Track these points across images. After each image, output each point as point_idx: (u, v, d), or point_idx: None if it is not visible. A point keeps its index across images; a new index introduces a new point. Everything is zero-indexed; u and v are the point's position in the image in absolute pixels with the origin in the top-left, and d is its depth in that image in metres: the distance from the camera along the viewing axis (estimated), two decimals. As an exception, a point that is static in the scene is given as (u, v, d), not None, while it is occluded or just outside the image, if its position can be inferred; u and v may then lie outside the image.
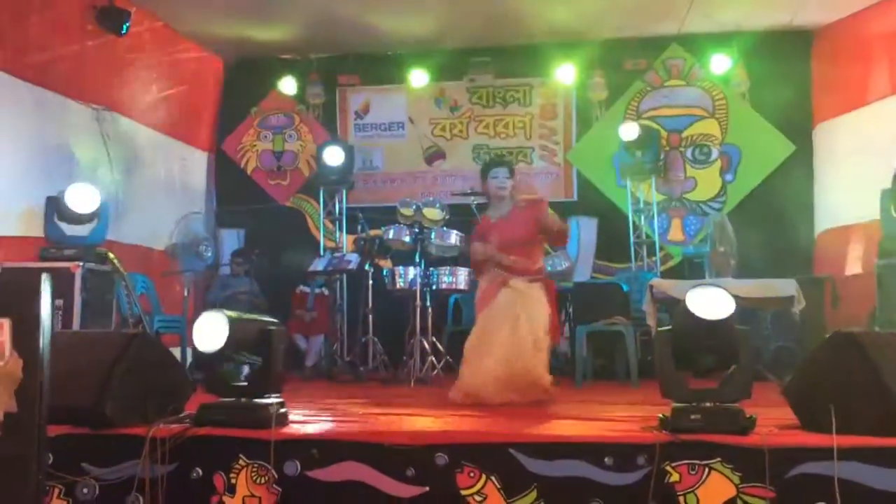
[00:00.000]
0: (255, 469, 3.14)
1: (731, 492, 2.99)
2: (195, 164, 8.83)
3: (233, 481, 3.15)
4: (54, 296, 4.83)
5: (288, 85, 9.08)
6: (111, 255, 5.73)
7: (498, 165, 5.24)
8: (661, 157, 8.47)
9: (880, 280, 5.42)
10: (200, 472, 3.17)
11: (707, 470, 3.01)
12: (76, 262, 5.31)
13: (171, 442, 3.14)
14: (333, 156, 8.46)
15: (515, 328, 4.79)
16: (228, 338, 3.19)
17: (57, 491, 3.13)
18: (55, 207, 5.59)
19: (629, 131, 8.17)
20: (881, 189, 5.50)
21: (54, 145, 6.43)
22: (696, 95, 8.70)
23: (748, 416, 3.16)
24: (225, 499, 3.14)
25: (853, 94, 7.51)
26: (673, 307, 6.07)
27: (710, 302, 3.17)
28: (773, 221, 7.99)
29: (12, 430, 1.96)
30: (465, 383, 4.79)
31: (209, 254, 7.81)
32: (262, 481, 3.13)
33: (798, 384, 3.53)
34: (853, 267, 7.19)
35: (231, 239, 9.00)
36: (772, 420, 3.35)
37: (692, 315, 3.14)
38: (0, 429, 1.86)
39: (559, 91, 8.91)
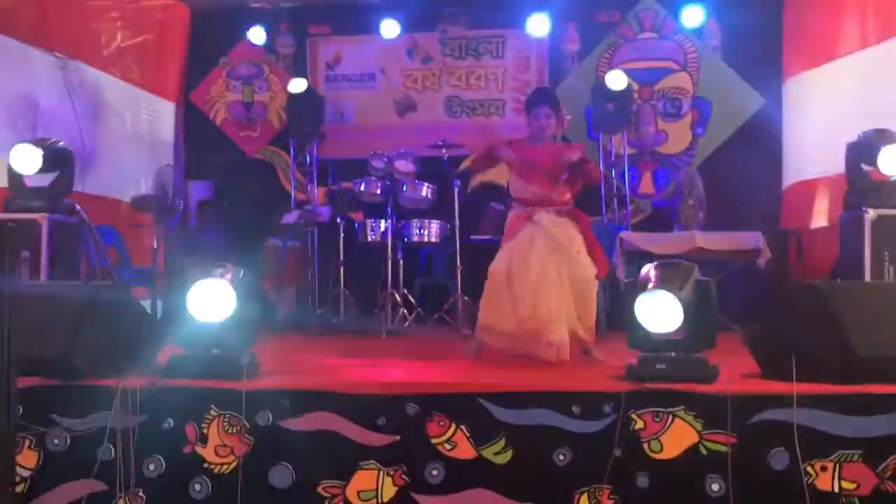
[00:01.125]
0: (226, 419, 3.17)
1: (694, 438, 3.08)
2: (163, 115, 8.68)
3: (205, 431, 3.18)
4: (20, 247, 4.80)
5: (257, 34, 8.90)
6: (77, 207, 5.66)
7: (541, 103, 4.87)
8: (633, 110, 8.47)
9: (844, 232, 5.50)
10: (172, 422, 3.19)
11: (671, 417, 3.09)
12: (42, 214, 5.24)
13: (141, 393, 3.16)
14: (297, 85, 8.35)
15: (545, 268, 4.48)
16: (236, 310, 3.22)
17: (28, 442, 3.15)
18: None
19: (617, 80, 8.09)
20: (847, 142, 5.56)
21: (18, 94, 6.29)
22: (667, 48, 8.68)
23: (711, 365, 3.23)
24: (197, 448, 3.18)
25: (824, 48, 7.53)
26: (642, 259, 6.14)
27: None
28: (741, 175, 8.04)
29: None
30: (483, 325, 4.60)
31: (180, 206, 7.74)
32: (234, 431, 3.17)
33: (760, 334, 3.61)
34: (819, 220, 7.28)
35: (200, 191, 8.89)
36: (735, 369, 3.44)
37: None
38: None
39: (532, 43, 8.85)
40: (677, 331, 3.25)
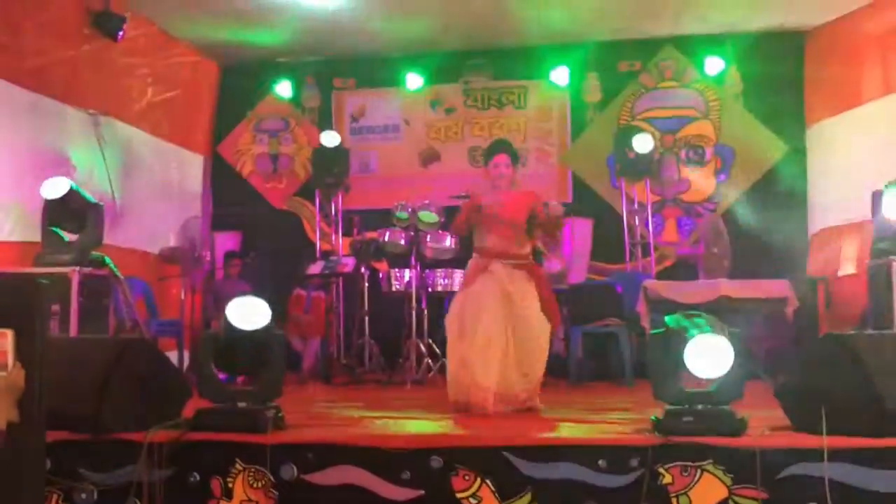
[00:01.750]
0: (251, 473, 3.17)
1: (724, 493, 3.03)
2: (191, 168, 8.85)
3: (230, 486, 3.18)
4: (51, 301, 4.85)
5: (283, 88, 9.10)
6: (107, 260, 5.75)
7: (500, 151, 4.92)
8: (656, 158, 8.49)
9: (872, 281, 5.44)
10: (198, 476, 3.20)
11: (699, 471, 3.05)
12: (73, 268, 5.32)
13: (168, 447, 3.17)
14: (330, 139, 8.48)
15: (493, 323, 4.54)
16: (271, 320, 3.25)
17: (56, 497, 3.16)
18: (49, 212, 5.59)
19: (644, 143, 8.13)
20: (873, 190, 5.53)
21: (50, 150, 6.44)
22: (689, 96, 8.73)
23: (740, 417, 3.19)
24: (223, 503, 3.17)
25: (846, 95, 7.54)
26: (666, 308, 6.10)
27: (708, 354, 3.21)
28: (766, 222, 8.02)
29: (15, 440, 1.98)
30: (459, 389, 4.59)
31: (207, 257, 7.84)
32: (259, 485, 3.16)
33: (790, 385, 3.57)
34: (847, 267, 7.22)
35: (227, 242, 9.00)
36: (764, 421, 3.39)
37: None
38: (2, 438, 1.88)
39: (554, 93, 8.94)
40: (716, 379, 3.22)
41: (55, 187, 5.46)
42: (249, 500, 3.16)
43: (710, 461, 3.05)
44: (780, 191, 8.22)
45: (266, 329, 3.40)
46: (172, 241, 7.73)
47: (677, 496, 3.04)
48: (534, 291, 4.68)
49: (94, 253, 5.68)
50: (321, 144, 8.58)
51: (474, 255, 4.89)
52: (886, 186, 5.18)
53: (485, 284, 4.65)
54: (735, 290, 6.32)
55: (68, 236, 5.70)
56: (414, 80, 8.87)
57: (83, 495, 3.16)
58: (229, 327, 3.32)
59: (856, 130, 7.32)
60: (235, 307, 3.34)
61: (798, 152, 8.29)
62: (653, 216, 8.57)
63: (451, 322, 4.72)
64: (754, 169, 8.49)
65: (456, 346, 4.64)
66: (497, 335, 4.54)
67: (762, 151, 8.47)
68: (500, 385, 4.51)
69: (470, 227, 4.90)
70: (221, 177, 9.27)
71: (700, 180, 8.66)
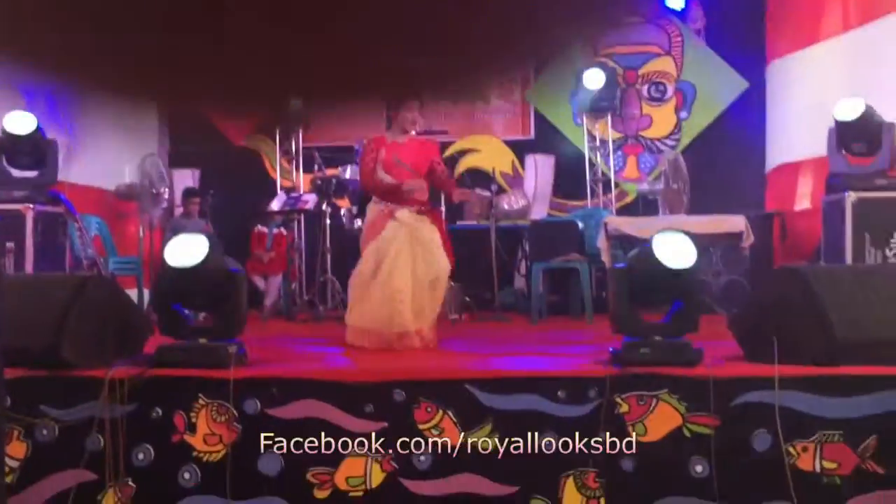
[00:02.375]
0: (215, 408, 3.19)
1: (678, 421, 3.12)
2: (146, 103, 8.64)
3: (193, 420, 3.20)
4: (5, 238, 4.78)
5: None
6: (62, 196, 5.65)
7: (413, 96, 4.69)
8: (618, 94, 8.49)
9: (826, 216, 5.56)
10: (160, 411, 3.21)
11: (655, 400, 3.13)
12: (27, 205, 5.23)
13: (129, 383, 3.17)
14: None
15: (407, 266, 4.57)
16: (194, 270, 3.20)
17: (16, 433, 3.15)
18: (2, 148, 5.46)
19: (594, 79, 8.11)
20: (829, 126, 5.60)
21: (-1, 84, 6.24)
22: (652, 32, 8.70)
23: (695, 349, 3.27)
24: (186, 437, 3.19)
25: (806, 32, 7.56)
26: (627, 244, 6.18)
27: (675, 248, 3.24)
28: (725, 158, 8.10)
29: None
30: (352, 327, 4.64)
31: (165, 194, 7.72)
32: (223, 420, 3.18)
33: (743, 317, 3.66)
34: (803, 202, 7.34)
35: (184, 180, 8.86)
36: (718, 352, 3.48)
37: (655, 259, 3.22)
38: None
39: (516, 28, 8.84)
40: (663, 312, 3.29)
41: (21, 123, 5.32)
42: (213, 433, 3.18)
43: (666, 390, 3.13)
44: (740, 127, 8.29)
45: (218, 265, 3.38)
46: (128, 178, 7.59)
47: (633, 424, 3.13)
48: (438, 237, 4.74)
49: (49, 190, 5.58)
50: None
51: (376, 200, 4.82)
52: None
53: (394, 231, 4.65)
54: (693, 225, 6.35)
55: (21, 173, 5.59)
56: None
57: (44, 431, 3.16)
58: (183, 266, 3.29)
59: (816, 66, 7.36)
60: (172, 247, 3.30)
61: (758, 89, 8.34)
62: (614, 152, 8.60)
63: (364, 271, 4.66)
64: (715, 105, 8.54)
65: (369, 294, 4.61)
66: (408, 279, 4.57)
67: (722, 88, 8.51)
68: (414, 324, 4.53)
69: (378, 177, 4.79)
70: (178, 112, 9.07)
71: (661, 117, 8.70)
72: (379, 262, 4.61)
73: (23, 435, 3.17)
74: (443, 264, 4.67)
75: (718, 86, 8.51)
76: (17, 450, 3.16)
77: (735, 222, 6.37)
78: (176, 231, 7.94)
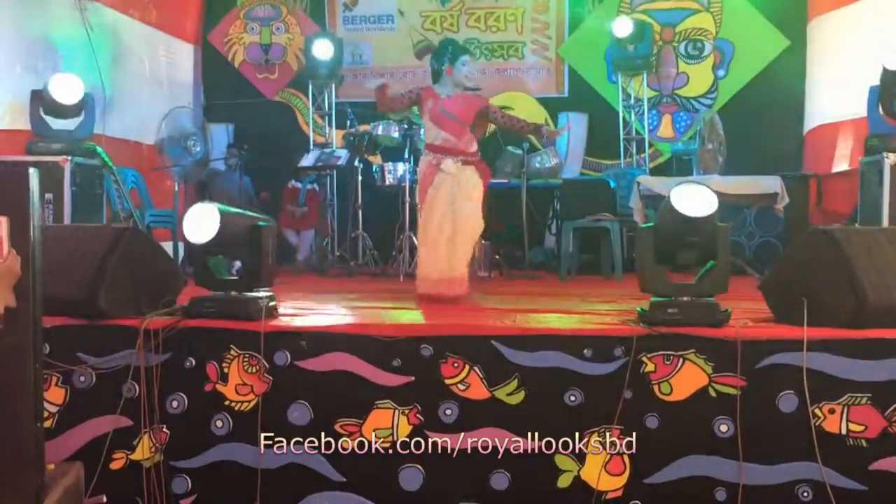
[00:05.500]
0: (246, 359, 3.25)
1: (704, 381, 3.12)
2: (181, 57, 8.67)
3: (225, 370, 3.27)
4: (43, 190, 4.88)
5: (274, -26, 8.85)
6: (99, 149, 5.72)
7: (464, 52, 5.03)
8: (654, 51, 8.36)
9: (864, 177, 5.47)
10: (193, 361, 3.28)
11: (681, 360, 3.13)
12: (64, 157, 5.31)
13: (164, 333, 3.24)
14: (322, 49, 8.29)
15: (446, 221, 4.83)
16: (219, 231, 3.24)
17: (55, 379, 3.25)
18: (40, 101, 5.54)
19: (622, 27, 8.02)
20: (869, 85, 5.48)
21: (37, 37, 6.30)
22: (690, -13, 8.53)
23: (723, 309, 3.26)
24: (218, 386, 3.27)
25: (849, -12, 7.36)
26: (659, 203, 6.13)
27: (694, 199, 3.21)
28: (763, 118, 7.97)
29: (12, 323, 2.02)
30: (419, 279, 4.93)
31: (198, 148, 7.78)
32: (254, 371, 3.25)
33: (774, 279, 3.63)
34: (841, 164, 7.22)
35: (220, 134, 8.92)
36: (747, 313, 3.47)
37: (675, 211, 3.20)
38: (0, 322, 1.93)
39: (552, -17, 8.71)
40: (691, 272, 3.27)
41: (70, 91, 5.41)
42: (244, 383, 3.25)
43: (692, 350, 3.13)
44: (778, 87, 8.12)
45: (242, 221, 3.41)
46: (162, 132, 7.66)
47: (658, 384, 3.14)
48: (480, 189, 4.90)
49: (86, 142, 5.66)
50: (311, 39, 8.39)
51: (426, 150, 5.04)
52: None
53: (438, 182, 4.86)
54: (728, 186, 6.31)
55: (59, 124, 5.67)
56: (409, -32, 8.62)
57: (81, 378, 3.25)
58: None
59: (856, 25, 7.18)
60: (187, 222, 3.31)
61: (798, 47, 8.15)
62: (649, 111, 8.49)
63: (426, 225, 4.95)
64: (753, 64, 8.37)
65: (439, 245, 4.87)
66: (443, 231, 4.83)
67: (762, 46, 8.33)
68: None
69: (402, 110, 5.26)
70: (212, 67, 9.10)
71: (698, 75, 8.55)
72: (430, 216, 4.85)
73: (61, 381, 3.26)
74: (475, 221, 4.85)
75: (758, 44, 8.33)
76: (56, 395, 3.26)
77: (770, 183, 6.30)
78: (210, 184, 8.05)
